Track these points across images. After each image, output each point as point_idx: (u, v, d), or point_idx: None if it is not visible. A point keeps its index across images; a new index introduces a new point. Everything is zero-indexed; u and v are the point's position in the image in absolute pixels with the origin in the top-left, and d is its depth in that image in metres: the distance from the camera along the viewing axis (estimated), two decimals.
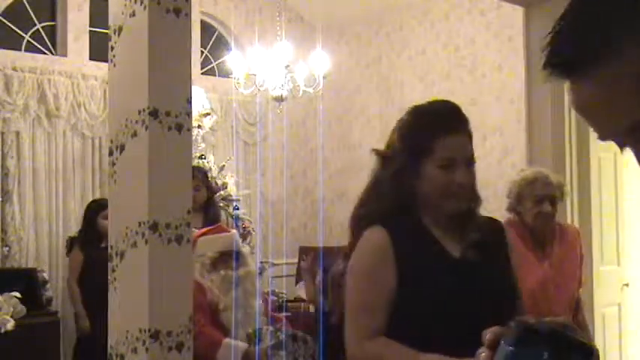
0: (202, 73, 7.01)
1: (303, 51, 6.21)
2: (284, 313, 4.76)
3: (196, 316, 2.71)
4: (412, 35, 6.87)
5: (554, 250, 3.33)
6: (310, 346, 3.34)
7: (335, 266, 3.37)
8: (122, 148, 2.57)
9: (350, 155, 7.36)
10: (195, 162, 5.60)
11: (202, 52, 7.09)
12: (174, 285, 2.50)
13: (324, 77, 5.79)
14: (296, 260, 7.02)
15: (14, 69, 5.80)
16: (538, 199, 3.28)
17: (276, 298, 6.08)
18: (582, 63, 0.79)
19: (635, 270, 5.72)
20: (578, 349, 0.78)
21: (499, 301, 1.80)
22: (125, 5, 2.57)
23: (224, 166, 6.23)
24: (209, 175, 5.61)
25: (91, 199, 5.93)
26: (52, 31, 6.26)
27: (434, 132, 1.87)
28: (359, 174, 7.09)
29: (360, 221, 1.91)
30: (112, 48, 2.66)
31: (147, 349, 2.43)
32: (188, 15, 2.58)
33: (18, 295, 4.86)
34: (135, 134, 2.51)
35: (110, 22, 2.68)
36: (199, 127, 6.01)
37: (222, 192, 5.98)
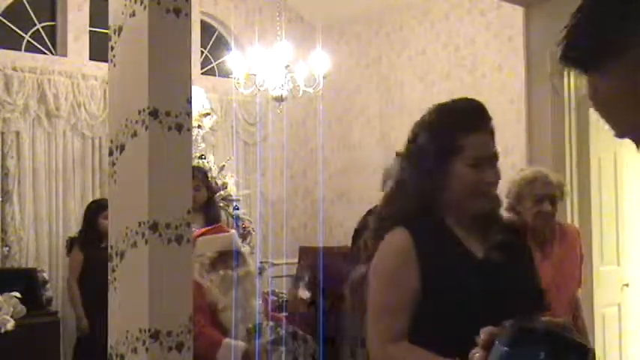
0: (202, 73, 7.01)
1: (303, 51, 6.21)
2: (284, 313, 4.76)
3: (196, 317, 2.71)
4: (412, 35, 6.87)
5: (554, 249, 3.33)
6: (310, 345, 3.34)
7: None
8: (122, 148, 2.57)
9: (350, 155, 7.36)
10: (195, 162, 5.59)
11: (202, 52, 7.08)
12: (174, 285, 2.50)
13: (324, 77, 5.79)
14: (296, 260, 7.02)
15: (14, 69, 5.80)
16: (538, 198, 3.28)
17: (276, 298, 6.08)
18: (599, 56, 0.78)
19: (635, 270, 5.71)
20: (575, 349, 0.77)
21: (524, 302, 1.77)
22: (125, 5, 2.57)
23: (224, 166, 6.23)
24: (209, 175, 5.60)
25: (91, 199, 5.93)
26: (52, 31, 6.26)
27: (462, 130, 1.84)
28: (359, 174, 7.10)
29: (383, 223, 1.89)
30: (112, 48, 2.66)
31: (147, 349, 2.43)
32: (188, 15, 2.58)
33: (18, 295, 4.86)
34: (135, 134, 2.51)
35: (110, 22, 2.68)
36: (199, 127, 6.01)
37: (222, 192, 5.98)
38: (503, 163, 1.94)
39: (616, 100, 0.80)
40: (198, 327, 3.02)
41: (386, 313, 1.80)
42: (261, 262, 6.22)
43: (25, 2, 6.08)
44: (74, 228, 5.86)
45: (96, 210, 5.21)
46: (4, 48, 5.88)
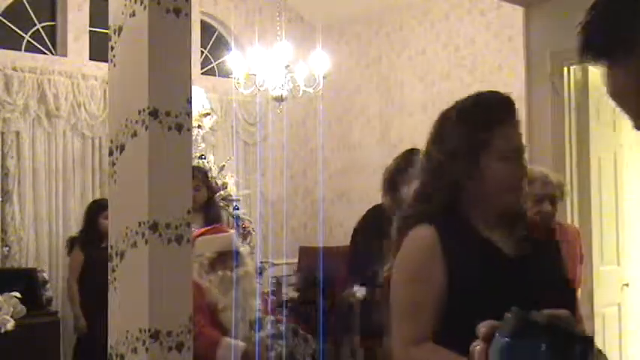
0: (202, 73, 7.01)
1: (303, 51, 6.21)
2: (284, 313, 4.76)
3: (196, 317, 2.71)
4: (412, 35, 6.87)
5: None
6: (310, 345, 3.34)
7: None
8: (122, 148, 2.57)
9: (350, 155, 7.36)
10: (195, 162, 5.60)
11: (202, 52, 7.08)
12: (174, 285, 2.50)
13: (324, 77, 5.79)
14: (296, 260, 7.02)
15: (14, 69, 5.80)
16: (537, 198, 3.27)
17: (275, 298, 6.08)
18: (613, 51, 0.80)
19: (635, 270, 5.71)
20: (576, 341, 0.76)
21: (554, 299, 1.69)
22: (125, 5, 2.57)
23: (224, 166, 6.23)
24: (209, 175, 5.60)
25: (91, 199, 5.93)
26: (52, 31, 6.26)
27: (491, 123, 1.78)
28: (359, 174, 7.10)
29: (407, 220, 1.82)
30: (112, 48, 2.66)
31: (147, 349, 2.43)
32: (188, 15, 2.58)
33: (18, 295, 4.86)
34: (135, 134, 2.51)
35: (110, 22, 2.68)
36: (199, 127, 6.01)
37: (222, 192, 5.98)
38: None
39: (631, 94, 0.82)
40: (198, 327, 3.02)
41: (410, 312, 1.73)
42: (261, 262, 6.22)
43: (25, 2, 6.08)
44: (74, 228, 5.86)
45: (96, 210, 5.21)
46: (4, 48, 5.88)
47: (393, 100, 7.00)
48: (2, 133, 5.78)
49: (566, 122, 5.11)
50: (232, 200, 6.13)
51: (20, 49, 6.02)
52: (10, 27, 6.02)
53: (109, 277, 2.61)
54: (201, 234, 3.56)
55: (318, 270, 5.51)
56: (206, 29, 7.14)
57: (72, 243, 5.44)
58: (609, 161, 5.28)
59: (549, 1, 5.21)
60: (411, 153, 3.48)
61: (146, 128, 2.47)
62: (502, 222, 1.79)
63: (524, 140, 1.87)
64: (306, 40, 6.95)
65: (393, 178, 3.38)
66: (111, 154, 2.65)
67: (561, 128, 5.12)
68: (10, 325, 4.62)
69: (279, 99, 5.82)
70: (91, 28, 6.29)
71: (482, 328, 0.82)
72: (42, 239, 5.92)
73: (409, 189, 3.30)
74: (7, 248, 5.72)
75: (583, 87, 5.15)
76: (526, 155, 1.87)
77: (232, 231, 3.80)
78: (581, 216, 5.01)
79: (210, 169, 5.94)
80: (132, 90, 2.55)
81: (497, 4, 5.96)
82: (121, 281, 2.56)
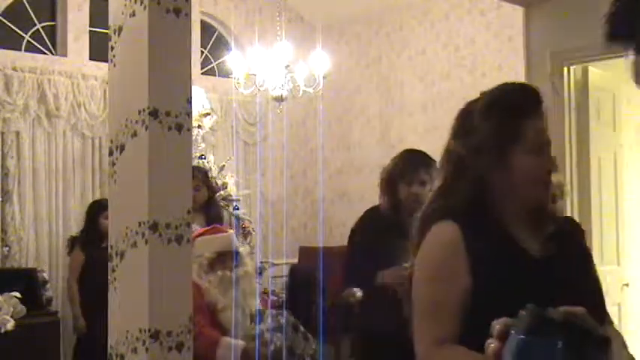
0: (202, 73, 7.01)
1: (303, 51, 6.21)
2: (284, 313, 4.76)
3: (195, 317, 2.71)
4: (412, 35, 6.87)
5: None
6: (310, 344, 3.34)
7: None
8: (122, 148, 2.57)
9: (350, 155, 7.36)
10: (195, 162, 5.60)
11: (202, 52, 7.09)
12: (174, 285, 2.50)
13: (324, 77, 5.79)
14: (296, 260, 7.02)
15: (14, 69, 5.80)
16: None
17: (276, 298, 6.08)
18: (637, 43, 0.82)
19: (635, 270, 5.71)
20: (593, 339, 0.75)
21: (580, 302, 1.59)
22: (125, 5, 2.57)
23: (224, 166, 6.23)
24: (209, 175, 5.61)
25: (91, 199, 5.94)
26: (52, 31, 6.26)
27: (521, 116, 1.70)
28: (359, 174, 7.11)
29: (429, 217, 1.73)
30: (112, 48, 2.66)
31: (147, 349, 2.43)
32: (188, 15, 2.58)
33: (18, 295, 4.86)
34: (135, 134, 2.51)
35: (110, 22, 2.68)
36: (199, 127, 6.01)
37: (222, 192, 5.98)
38: None
39: None
40: (198, 327, 3.02)
41: (432, 310, 1.65)
42: (261, 262, 6.22)
43: (25, 2, 6.08)
44: (74, 228, 5.87)
45: (97, 210, 5.21)
46: (4, 48, 5.88)
47: (393, 100, 7.00)
48: (2, 133, 5.78)
49: (566, 122, 5.11)
50: (232, 200, 6.13)
51: (20, 49, 6.02)
52: (10, 27, 6.02)
53: (109, 277, 2.61)
54: (201, 234, 3.56)
55: (311, 270, 5.51)
56: (206, 29, 7.14)
57: (72, 243, 5.44)
58: (609, 161, 5.28)
59: (549, 1, 5.21)
60: (409, 153, 3.47)
61: (146, 128, 2.47)
62: (528, 219, 1.72)
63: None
64: (306, 40, 6.95)
65: (391, 179, 3.34)
66: (111, 154, 2.65)
67: (561, 128, 5.12)
68: (10, 325, 4.63)
69: (279, 99, 5.82)
70: (91, 28, 6.29)
71: (497, 325, 0.81)
72: (42, 239, 5.93)
73: (407, 190, 3.30)
74: (7, 248, 5.72)
75: (583, 87, 5.15)
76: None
77: (231, 231, 3.80)
78: (581, 216, 5.01)
79: (210, 169, 5.94)
80: (132, 90, 2.55)
81: (497, 4, 5.96)
82: (121, 281, 2.57)
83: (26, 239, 5.83)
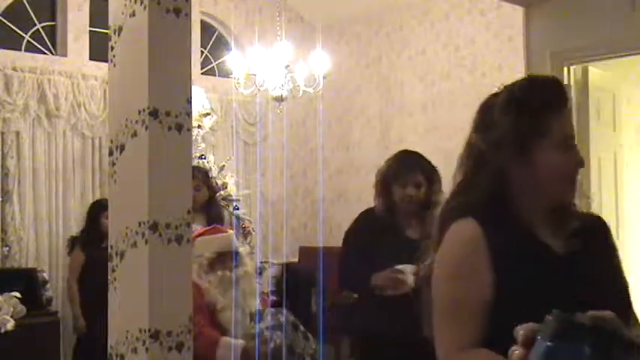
0: (202, 73, 7.01)
1: (303, 51, 6.21)
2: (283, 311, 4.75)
3: (195, 317, 2.71)
4: (412, 35, 6.87)
5: None
6: (310, 344, 3.34)
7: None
8: (122, 148, 2.57)
9: (350, 155, 7.36)
10: (195, 162, 5.60)
11: (202, 52, 7.09)
12: (174, 285, 2.50)
13: (324, 77, 5.79)
14: (296, 260, 7.03)
15: (14, 69, 5.80)
16: None
17: (276, 298, 6.08)
18: None
19: (635, 270, 5.71)
20: (621, 344, 0.73)
21: (607, 301, 1.47)
22: (125, 5, 2.57)
23: (224, 166, 6.23)
24: (209, 174, 5.61)
25: (91, 199, 5.94)
26: (52, 31, 6.26)
27: (548, 108, 1.62)
28: (359, 174, 7.10)
29: (448, 214, 1.67)
30: (112, 48, 2.66)
31: (147, 349, 2.43)
32: (188, 15, 2.58)
33: (18, 295, 4.86)
34: (135, 134, 2.51)
35: (110, 22, 2.68)
36: (199, 127, 6.01)
37: (222, 192, 5.98)
38: None
39: None
40: (198, 327, 3.02)
41: (453, 311, 1.58)
42: (261, 262, 6.22)
43: (25, 2, 6.08)
44: (74, 228, 5.87)
45: (98, 209, 5.21)
46: (4, 48, 5.88)
47: (393, 100, 7.00)
48: (2, 133, 5.78)
49: None
50: (232, 200, 6.13)
51: (20, 49, 6.03)
52: (10, 27, 6.02)
53: (109, 277, 2.61)
54: (200, 234, 3.56)
55: (308, 270, 5.51)
56: (206, 29, 7.14)
57: (73, 243, 5.44)
58: (609, 161, 5.29)
59: (549, 1, 5.22)
60: (403, 154, 3.43)
61: (146, 128, 2.47)
62: (550, 215, 1.65)
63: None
64: (306, 40, 6.95)
65: (385, 181, 3.32)
66: (111, 154, 2.65)
67: None
68: (10, 325, 4.63)
69: (279, 99, 5.82)
70: (91, 28, 6.29)
71: (521, 331, 0.78)
72: (42, 239, 5.93)
73: (402, 191, 3.27)
74: (7, 248, 5.72)
75: (583, 87, 5.16)
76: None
77: (231, 231, 3.80)
78: None
79: (210, 169, 5.94)
80: (132, 90, 2.55)
81: (497, 4, 5.96)
82: (121, 281, 2.57)
83: (26, 239, 5.83)
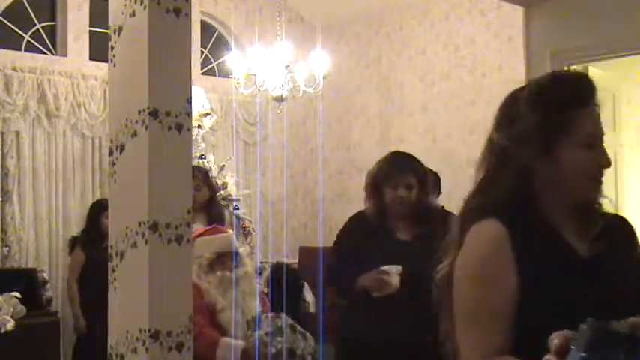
0: (202, 73, 7.01)
1: (303, 51, 6.21)
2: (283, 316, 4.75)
3: (195, 318, 2.71)
4: (412, 35, 6.87)
5: None
6: (310, 343, 3.33)
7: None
8: (122, 148, 2.57)
9: (350, 155, 7.37)
10: (195, 162, 5.60)
11: (202, 52, 7.09)
12: (174, 285, 2.50)
13: (324, 77, 5.79)
14: (296, 260, 7.02)
15: (14, 69, 5.80)
16: None
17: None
18: None
19: None
20: None
21: (634, 306, 1.39)
22: (125, 5, 2.57)
23: (224, 166, 6.23)
24: (209, 174, 5.61)
25: (91, 199, 5.95)
26: (52, 31, 6.26)
27: (574, 104, 1.55)
28: (359, 174, 7.09)
29: (469, 215, 1.59)
30: (112, 48, 2.66)
31: (147, 349, 2.43)
32: (188, 15, 2.58)
33: (18, 295, 4.86)
34: (135, 134, 2.51)
35: (110, 22, 2.68)
36: (199, 127, 6.01)
37: (222, 192, 5.98)
38: None
39: None
40: (198, 327, 3.02)
41: (477, 315, 1.49)
42: (261, 262, 6.22)
43: (25, 2, 6.08)
44: (74, 228, 5.87)
45: (99, 209, 5.21)
46: (4, 48, 5.88)
47: (393, 100, 7.00)
48: (2, 133, 5.78)
49: None
50: (232, 200, 6.13)
51: (20, 49, 6.03)
52: (10, 27, 6.02)
53: (109, 277, 2.61)
54: (200, 234, 3.56)
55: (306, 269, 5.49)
56: (206, 29, 7.14)
57: (74, 243, 5.45)
58: None
59: (549, 1, 5.22)
60: (394, 156, 3.37)
61: (146, 128, 2.47)
62: (574, 215, 1.59)
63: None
64: (306, 40, 6.95)
65: (376, 183, 3.25)
66: (111, 154, 2.64)
67: None
68: (10, 325, 4.63)
69: (279, 99, 5.83)
70: (91, 28, 6.29)
71: (555, 340, 0.74)
72: (42, 239, 5.93)
73: (393, 193, 3.21)
74: (7, 248, 5.73)
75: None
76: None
77: (231, 231, 3.80)
78: None
79: (210, 169, 5.94)
80: (132, 90, 2.55)
81: (497, 4, 5.96)
82: (121, 281, 2.57)
83: (26, 239, 5.83)
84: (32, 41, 6.13)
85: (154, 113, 2.47)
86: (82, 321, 5.21)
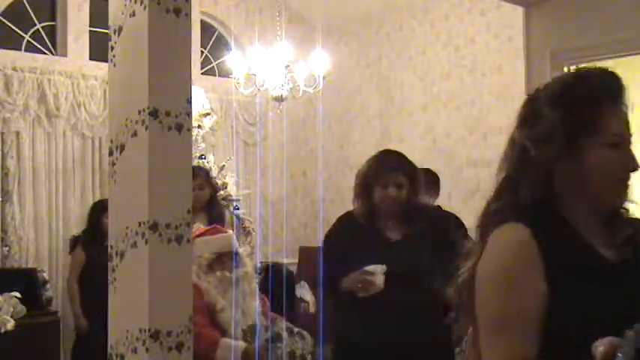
0: (202, 73, 7.01)
1: (303, 51, 6.21)
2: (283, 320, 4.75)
3: (195, 318, 2.71)
4: (412, 35, 6.87)
5: None
6: (308, 342, 3.33)
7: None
8: (122, 148, 2.57)
9: (350, 155, 7.36)
10: (196, 162, 5.60)
11: (202, 52, 7.09)
12: (174, 285, 2.50)
13: (324, 77, 5.79)
14: (296, 260, 7.02)
15: (14, 69, 5.80)
16: None
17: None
18: None
19: None
20: None
21: None
22: (125, 5, 2.57)
23: (224, 166, 6.23)
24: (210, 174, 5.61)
25: (91, 199, 5.95)
26: (52, 31, 6.26)
27: (601, 102, 1.48)
28: None
29: (490, 218, 1.52)
30: (112, 48, 2.66)
31: (147, 349, 2.43)
32: (188, 15, 2.58)
33: (18, 295, 4.86)
34: (135, 134, 2.51)
35: (110, 22, 2.68)
36: (199, 127, 6.01)
37: (222, 192, 5.98)
38: None
39: None
40: (198, 327, 3.02)
41: (505, 324, 1.41)
42: (261, 262, 6.22)
43: (25, 2, 6.08)
44: (74, 228, 5.87)
45: (100, 209, 5.21)
46: (4, 48, 5.89)
47: (393, 100, 7.00)
48: (2, 133, 5.78)
49: None
50: (232, 200, 6.13)
51: (20, 49, 6.03)
52: (10, 27, 6.02)
53: (109, 277, 2.61)
54: (200, 234, 3.55)
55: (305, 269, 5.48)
56: (206, 29, 7.14)
57: (74, 242, 5.45)
58: None
59: (549, 1, 5.22)
60: (384, 154, 3.31)
61: (146, 128, 2.47)
62: (600, 220, 1.53)
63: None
64: (306, 40, 6.95)
65: (365, 182, 3.23)
66: (111, 154, 2.65)
67: None
68: (10, 325, 4.63)
69: (279, 99, 5.83)
70: (91, 28, 6.30)
71: (601, 347, 0.73)
72: (42, 239, 5.93)
73: (383, 192, 3.14)
74: (7, 248, 5.73)
75: None
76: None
77: (231, 232, 3.79)
78: None
79: (210, 169, 5.94)
80: (132, 90, 2.55)
81: (497, 4, 5.96)
82: (121, 281, 2.57)
83: (26, 239, 5.83)
84: (32, 41, 6.13)
85: (154, 113, 2.47)
86: (82, 320, 5.22)
